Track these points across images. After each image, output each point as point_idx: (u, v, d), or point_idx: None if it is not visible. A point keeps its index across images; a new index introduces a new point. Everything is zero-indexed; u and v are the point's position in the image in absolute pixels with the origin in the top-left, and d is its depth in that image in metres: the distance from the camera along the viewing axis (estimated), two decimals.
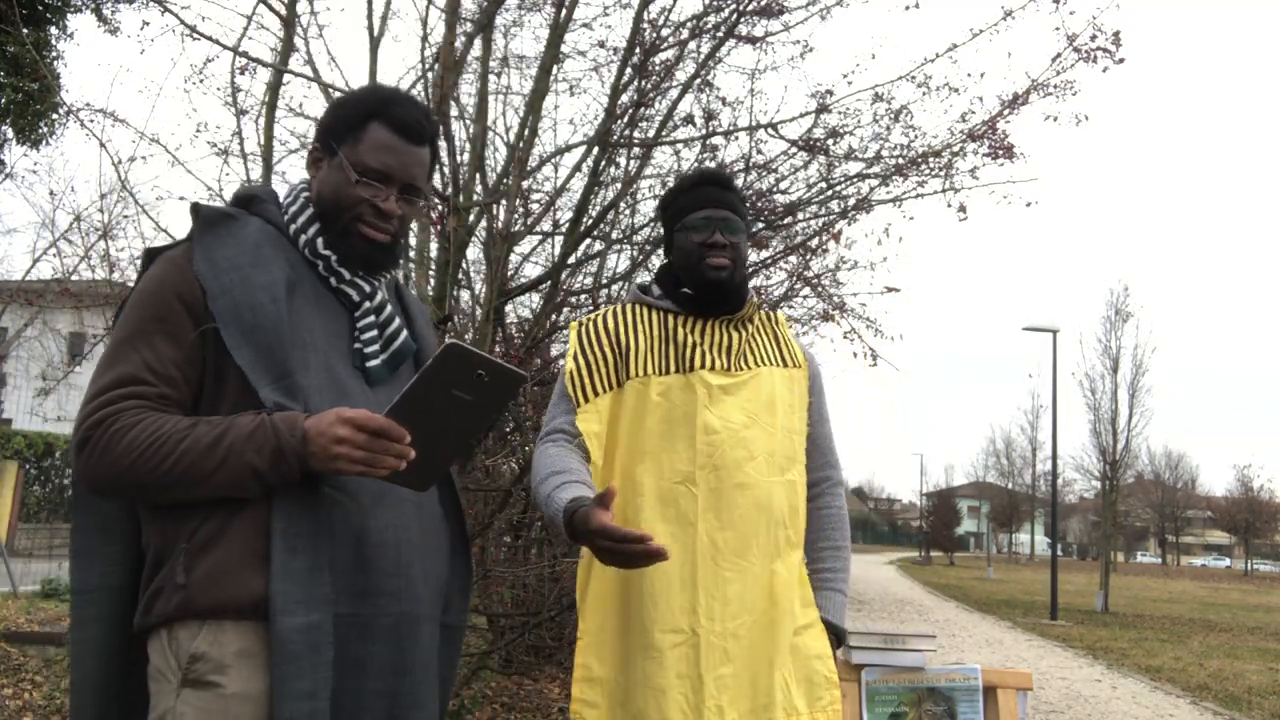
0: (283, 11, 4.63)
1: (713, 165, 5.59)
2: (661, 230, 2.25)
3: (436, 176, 4.50)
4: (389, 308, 1.67)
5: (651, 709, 1.87)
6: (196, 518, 1.43)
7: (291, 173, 5.26)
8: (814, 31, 17.70)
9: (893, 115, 5.75)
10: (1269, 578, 54.67)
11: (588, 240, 5.62)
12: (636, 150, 5.56)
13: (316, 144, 1.65)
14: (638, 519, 1.95)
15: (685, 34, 5.31)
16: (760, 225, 5.81)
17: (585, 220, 5.30)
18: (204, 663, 1.38)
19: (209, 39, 4.47)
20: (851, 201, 6.02)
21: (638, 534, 1.68)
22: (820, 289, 7.18)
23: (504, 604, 5.52)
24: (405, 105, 1.62)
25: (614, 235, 5.97)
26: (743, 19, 5.25)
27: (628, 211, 6.14)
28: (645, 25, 5.19)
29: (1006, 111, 5.56)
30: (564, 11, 5.06)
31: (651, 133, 5.64)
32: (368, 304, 1.63)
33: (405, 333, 1.68)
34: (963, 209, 5.93)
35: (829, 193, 6.03)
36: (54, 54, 10.46)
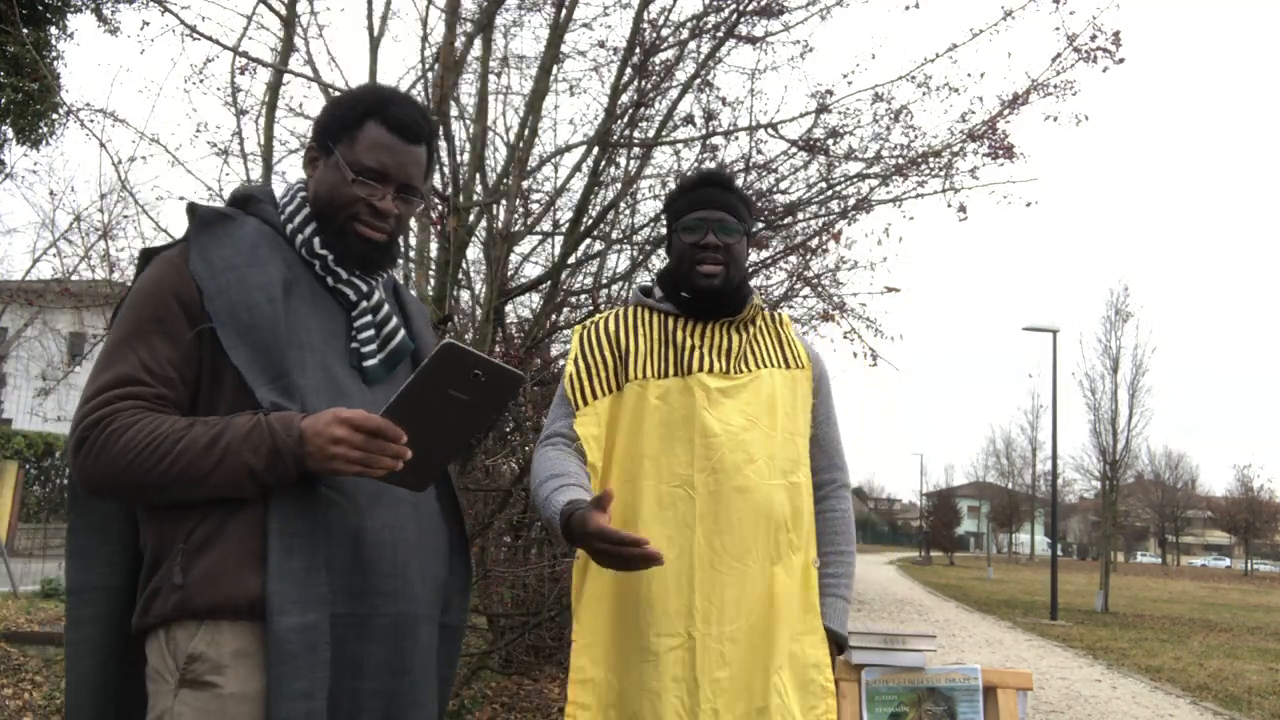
0: (283, 11, 4.63)
1: (712, 165, 5.59)
2: (662, 230, 2.25)
3: (436, 176, 4.52)
4: (386, 307, 1.66)
5: (647, 711, 1.87)
6: (193, 518, 1.43)
7: (292, 173, 5.27)
8: (814, 31, 17.68)
9: (893, 115, 5.75)
10: (1269, 578, 54.66)
11: (588, 240, 5.62)
12: (636, 150, 5.56)
13: (313, 143, 1.65)
14: (636, 522, 1.94)
15: (685, 34, 5.31)
16: (760, 225, 5.80)
17: (585, 220, 5.30)
18: (201, 663, 1.38)
19: (209, 39, 4.47)
20: (851, 201, 6.02)
21: (634, 537, 1.69)
22: (820, 289, 7.19)
23: (504, 604, 5.52)
24: (402, 104, 1.62)
25: (614, 235, 5.97)
26: (743, 19, 5.25)
27: (628, 211, 6.14)
28: (645, 25, 5.19)
29: (1006, 111, 5.56)
30: (564, 11, 5.06)
31: (651, 133, 5.64)
32: (365, 303, 1.63)
33: (403, 332, 1.67)
34: (963, 209, 5.94)
35: (829, 193, 6.04)
36: (54, 54, 10.47)
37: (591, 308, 5.50)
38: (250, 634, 1.39)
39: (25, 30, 7.33)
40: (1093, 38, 5.37)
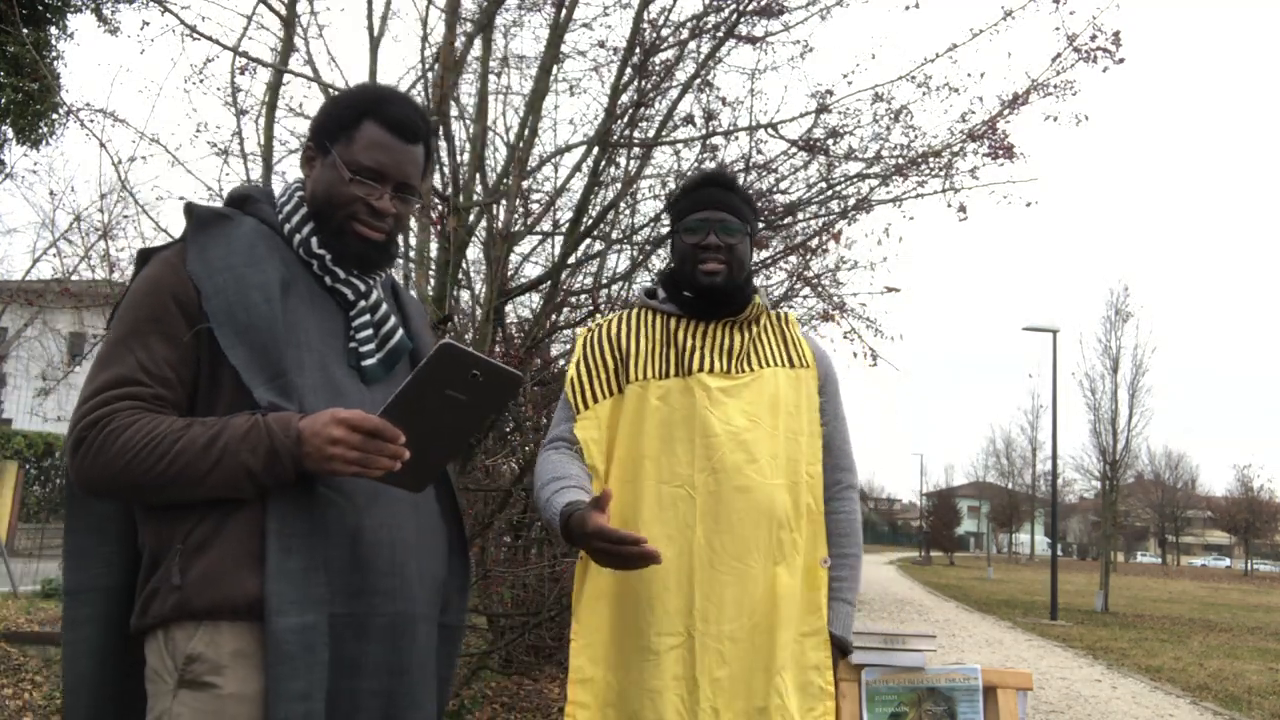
0: (283, 11, 4.63)
1: (713, 165, 5.59)
2: (662, 230, 2.26)
3: (436, 177, 4.52)
4: (384, 306, 1.66)
5: (647, 710, 1.87)
6: (191, 519, 1.43)
7: (292, 173, 5.27)
8: (814, 31, 17.68)
9: (893, 115, 5.74)
10: (1269, 578, 54.66)
11: (588, 240, 5.61)
12: (636, 150, 5.55)
13: (310, 143, 1.65)
14: (636, 522, 1.95)
15: (685, 34, 5.30)
16: (760, 225, 5.79)
17: (585, 220, 5.29)
18: (200, 663, 1.38)
19: (209, 39, 4.47)
20: (851, 201, 6.01)
21: (633, 536, 1.71)
22: (820, 289, 7.18)
23: (504, 604, 5.52)
24: (398, 103, 1.62)
25: (614, 235, 5.96)
26: (743, 19, 5.25)
27: (628, 211, 6.13)
28: (645, 25, 5.19)
29: (1006, 111, 5.55)
30: (564, 11, 5.06)
31: (651, 133, 5.63)
32: (363, 303, 1.62)
33: (401, 331, 1.67)
34: (963, 209, 5.93)
35: (829, 193, 6.03)
36: (54, 54, 10.46)
37: (591, 308, 5.50)
38: (249, 634, 1.38)
39: (25, 30, 7.32)
40: (1093, 38, 5.37)
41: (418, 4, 9.35)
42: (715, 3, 5.23)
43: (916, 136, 5.82)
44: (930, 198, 5.98)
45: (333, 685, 1.41)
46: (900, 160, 5.80)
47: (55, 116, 10.52)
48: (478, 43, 5.26)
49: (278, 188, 1.70)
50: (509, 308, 5.76)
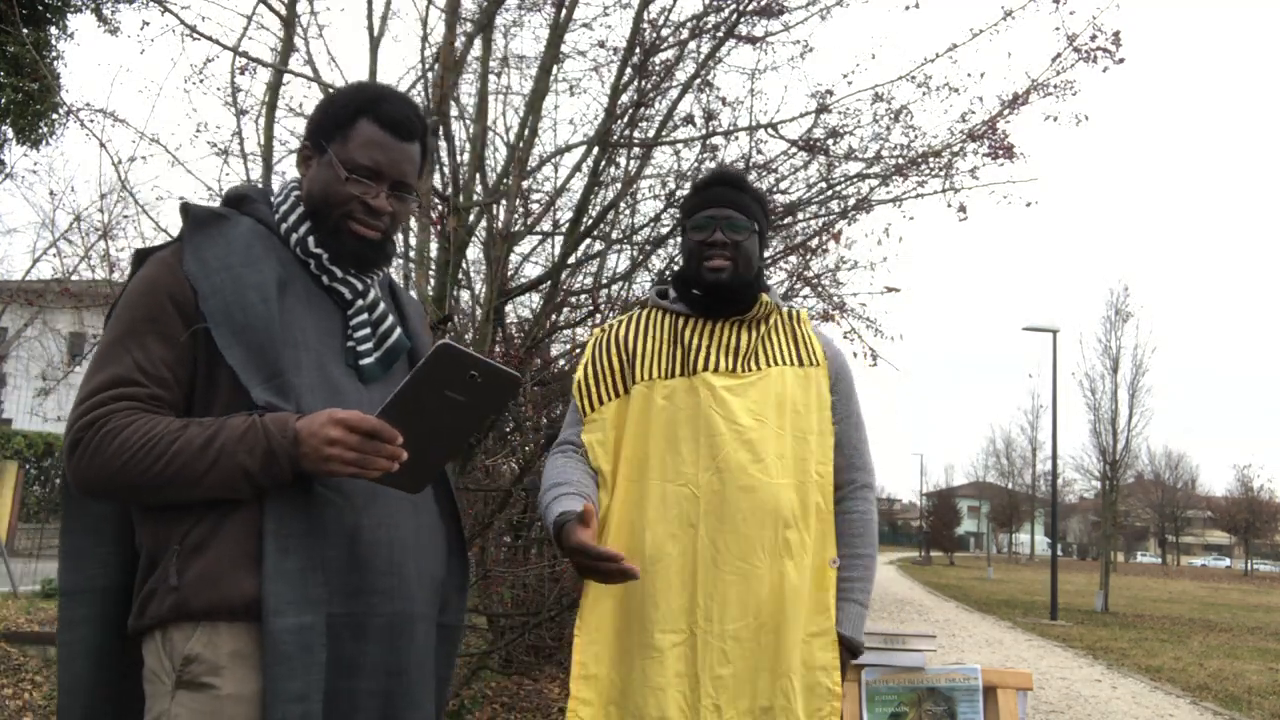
0: (283, 11, 4.63)
1: (713, 165, 5.59)
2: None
3: (436, 177, 4.52)
4: (382, 305, 1.66)
5: (650, 707, 1.88)
6: (189, 519, 1.42)
7: (291, 173, 5.24)
8: (814, 31, 17.66)
9: (893, 115, 5.73)
10: (1269, 578, 54.66)
11: (588, 240, 5.61)
12: (636, 150, 5.55)
13: (306, 142, 1.64)
14: (641, 520, 1.96)
15: (685, 34, 5.30)
16: None
17: (585, 220, 5.29)
18: (198, 664, 1.38)
19: (209, 39, 4.47)
20: (851, 201, 6.01)
21: (611, 553, 1.77)
22: (820, 289, 7.18)
23: (504, 604, 5.52)
24: (394, 102, 1.62)
25: (614, 235, 5.96)
26: (743, 19, 5.24)
27: (628, 211, 6.13)
28: (645, 25, 5.18)
29: (1006, 111, 5.54)
30: (564, 11, 5.06)
31: (651, 133, 5.63)
32: (360, 302, 1.62)
33: (399, 330, 1.67)
34: (963, 209, 5.92)
35: (829, 193, 6.02)
36: (54, 54, 10.46)
37: (591, 308, 5.50)
38: (247, 635, 1.38)
39: (25, 30, 7.32)
40: (1093, 38, 5.36)
41: (418, 4, 9.36)
42: (715, 3, 5.23)
43: (916, 136, 5.82)
44: (930, 198, 5.98)
45: (331, 685, 1.41)
46: (900, 160, 5.79)
47: (55, 116, 10.52)
48: (478, 43, 5.26)
49: (275, 188, 1.70)
50: (509, 308, 5.76)
